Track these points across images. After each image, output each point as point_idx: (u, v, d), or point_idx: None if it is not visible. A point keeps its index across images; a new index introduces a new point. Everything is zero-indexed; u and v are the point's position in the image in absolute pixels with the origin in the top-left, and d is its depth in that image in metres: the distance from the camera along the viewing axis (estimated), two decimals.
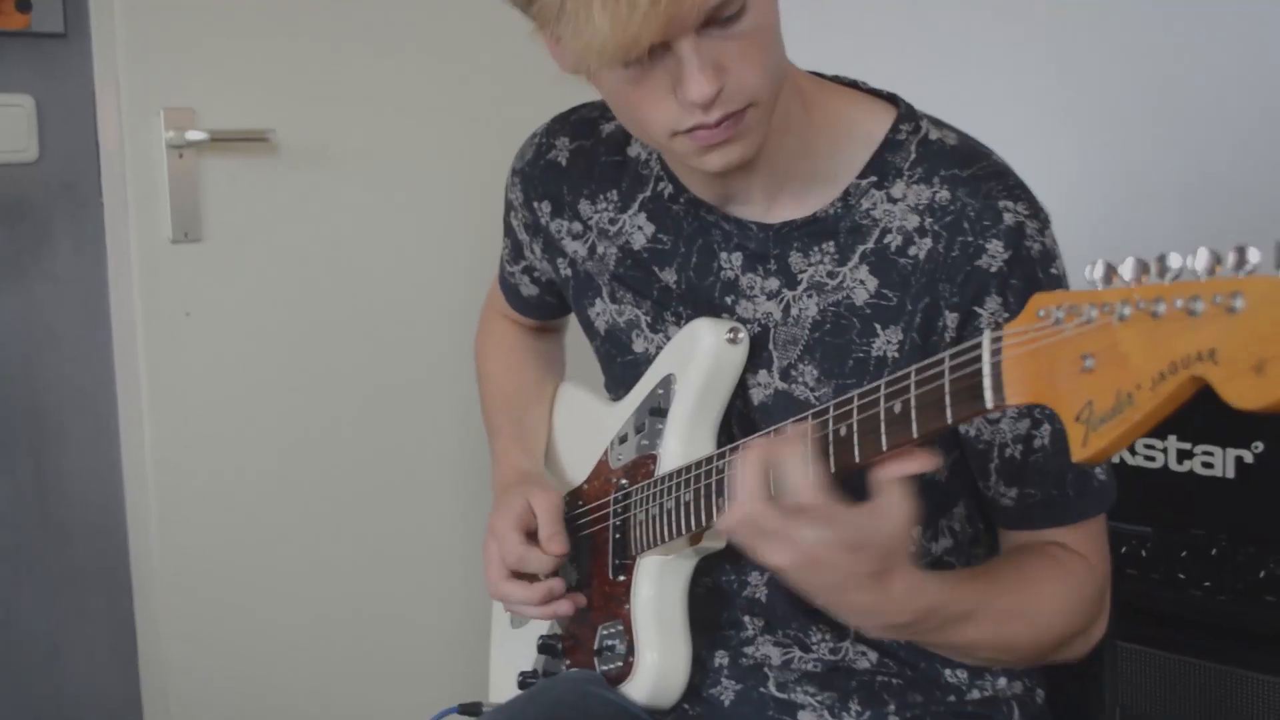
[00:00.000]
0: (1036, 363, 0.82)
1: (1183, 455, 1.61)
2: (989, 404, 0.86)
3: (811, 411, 1.02)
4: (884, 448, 0.95)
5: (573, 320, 1.55)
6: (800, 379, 1.17)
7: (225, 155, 2.06)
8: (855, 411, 0.97)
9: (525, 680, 1.38)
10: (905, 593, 0.99)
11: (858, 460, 0.97)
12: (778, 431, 1.04)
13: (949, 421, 0.90)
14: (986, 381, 0.86)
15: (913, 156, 1.15)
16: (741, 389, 1.20)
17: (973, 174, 1.13)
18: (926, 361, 0.92)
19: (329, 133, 2.14)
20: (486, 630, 1.57)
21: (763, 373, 1.19)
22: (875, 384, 0.96)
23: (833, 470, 0.99)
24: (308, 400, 2.16)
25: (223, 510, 2.11)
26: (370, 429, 2.22)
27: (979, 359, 0.87)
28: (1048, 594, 1.13)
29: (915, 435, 0.93)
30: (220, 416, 2.10)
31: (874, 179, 1.16)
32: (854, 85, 1.22)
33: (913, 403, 0.92)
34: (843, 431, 0.98)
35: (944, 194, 1.13)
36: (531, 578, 1.30)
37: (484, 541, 1.34)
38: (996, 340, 0.86)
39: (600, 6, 0.96)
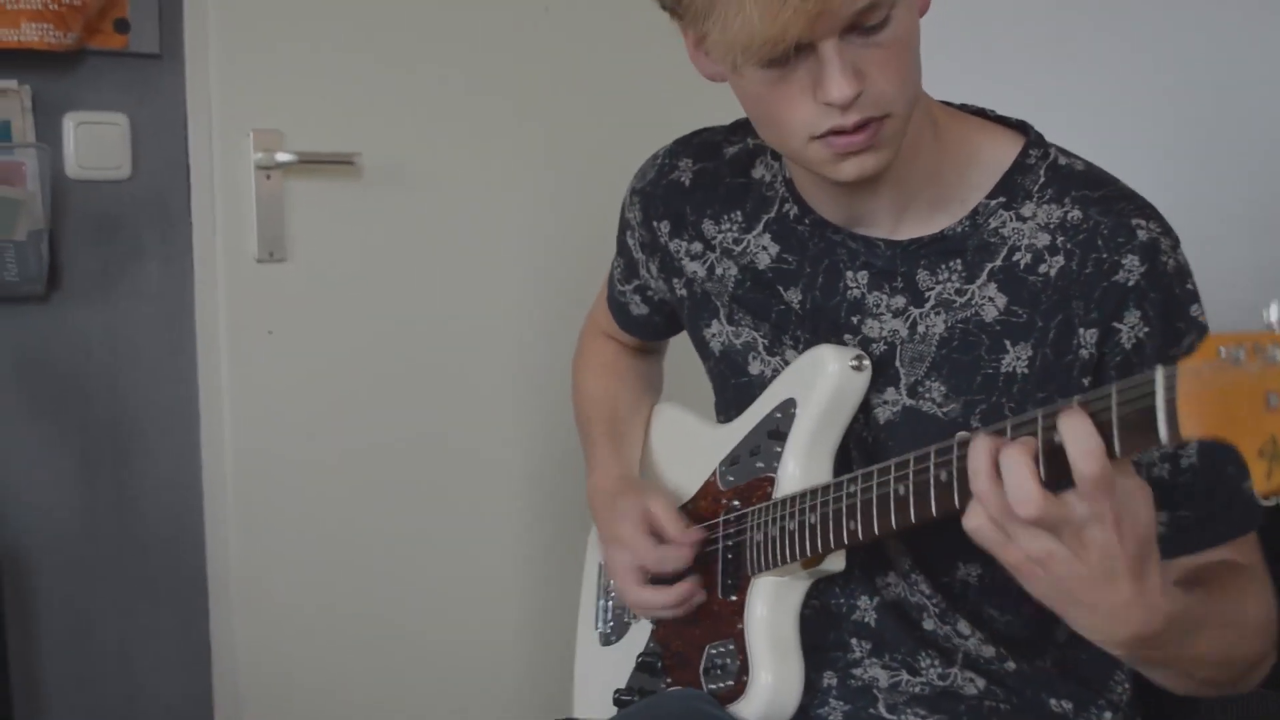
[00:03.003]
0: (1216, 399, 0.82)
1: None
2: (1164, 438, 0.86)
3: (957, 440, 1.02)
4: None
5: (671, 343, 1.58)
6: (928, 395, 1.19)
7: (311, 177, 2.10)
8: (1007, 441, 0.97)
9: (621, 698, 1.38)
10: (1160, 591, 0.95)
11: None
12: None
13: (1117, 454, 0.90)
14: (1160, 416, 0.86)
15: (1042, 179, 1.18)
16: (865, 410, 1.22)
17: (1103, 195, 1.16)
18: (1091, 394, 0.92)
19: (413, 156, 2.17)
20: (562, 645, 1.59)
21: (890, 390, 1.21)
22: (1031, 414, 0.96)
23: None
24: (387, 419, 2.19)
25: (300, 526, 2.13)
26: (449, 448, 2.24)
27: (1152, 394, 0.87)
28: (1251, 604, 1.12)
29: None
30: (300, 434, 2.12)
31: (1002, 199, 1.18)
32: (982, 113, 1.25)
33: None
34: None
35: (1076, 213, 1.15)
36: (662, 581, 1.31)
37: (607, 552, 1.36)
38: (1171, 375, 0.86)
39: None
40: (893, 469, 1.08)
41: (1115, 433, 0.90)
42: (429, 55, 2.17)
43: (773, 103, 1.10)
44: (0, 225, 1.88)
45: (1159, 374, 0.87)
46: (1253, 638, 1.11)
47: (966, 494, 0.99)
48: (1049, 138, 1.23)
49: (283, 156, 2.05)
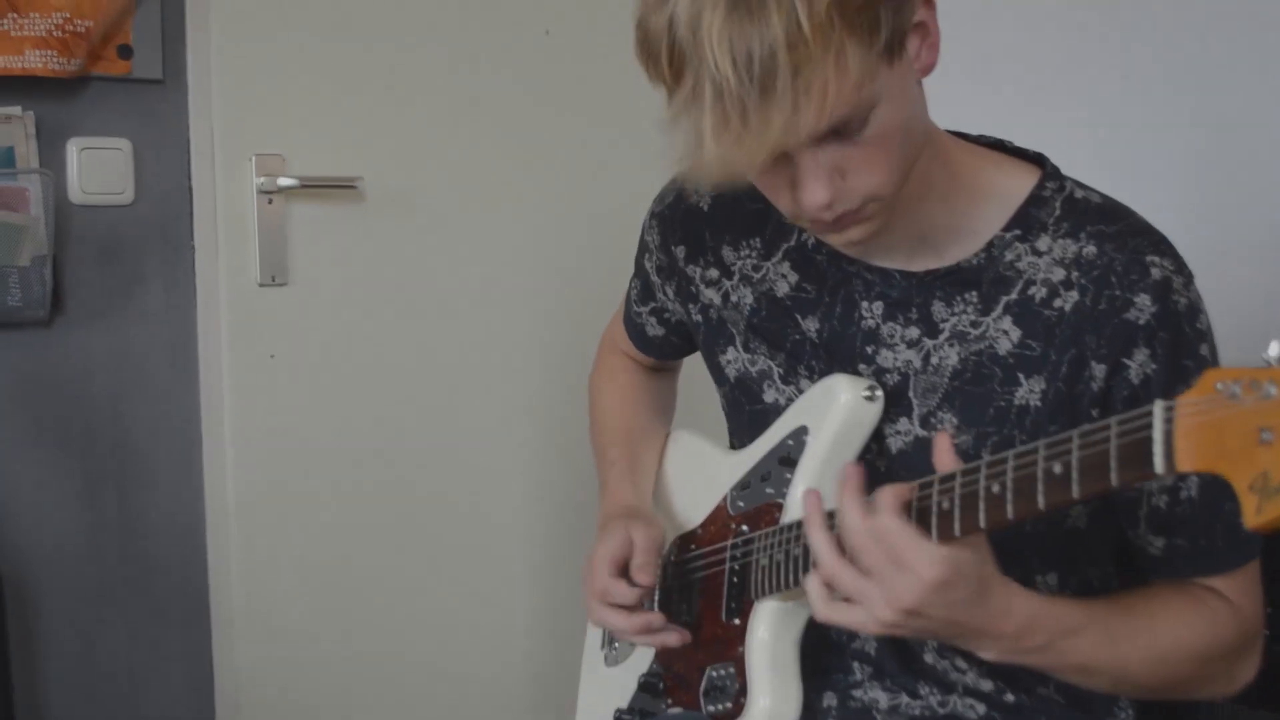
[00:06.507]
0: (1211, 433, 0.84)
1: None
2: (1159, 469, 0.88)
3: (961, 469, 1.03)
4: (1041, 506, 0.96)
5: (687, 367, 1.58)
6: (940, 426, 1.20)
7: (313, 201, 2.12)
8: (1010, 470, 0.98)
9: (621, 717, 1.40)
10: (1006, 600, 1.05)
11: (1010, 517, 0.99)
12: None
13: (1114, 485, 0.92)
14: (1157, 449, 0.88)
15: (1058, 212, 1.18)
16: (878, 440, 1.23)
17: (1119, 230, 1.16)
18: (1091, 426, 0.94)
19: (414, 181, 2.19)
20: (569, 667, 1.59)
21: (903, 420, 1.22)
22: (1033, 445, 0.98)
23: (983, 526, 1.01)
24: (388, 443, 2.20)
25: (302, 547, 2.14)
26: (451, 471, 2.26)
27: (1149, 426, 0.89)
28: (1178, 625, 1.14)
29: (1076, 495, 0.94)
30: (302, 457, 2.14)
31: (1018, 232, 1.19)
32: (1001, 145, 1.25)
33: (1074, 464, 0.94)
34: (995, 489, 0.99)
35: (1091, 248, 1.16)
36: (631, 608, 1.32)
37: (583, 568, 1.37)
38: (1169, 409, 0.88)
39: (712, 136, 1.00)
40: None
41: (1113, 463, 0.91)
42: (430, 79, 2.19)
43: (760, 184, 1.12)
44: (4, 251, 1.89)
45: (1158, 408, 0.89)
46: (1167, 657, 1.14)
47: (969, 523, 1.01)
48: (1059, 166, 1.23)
49: (284, 181, 2.07)
